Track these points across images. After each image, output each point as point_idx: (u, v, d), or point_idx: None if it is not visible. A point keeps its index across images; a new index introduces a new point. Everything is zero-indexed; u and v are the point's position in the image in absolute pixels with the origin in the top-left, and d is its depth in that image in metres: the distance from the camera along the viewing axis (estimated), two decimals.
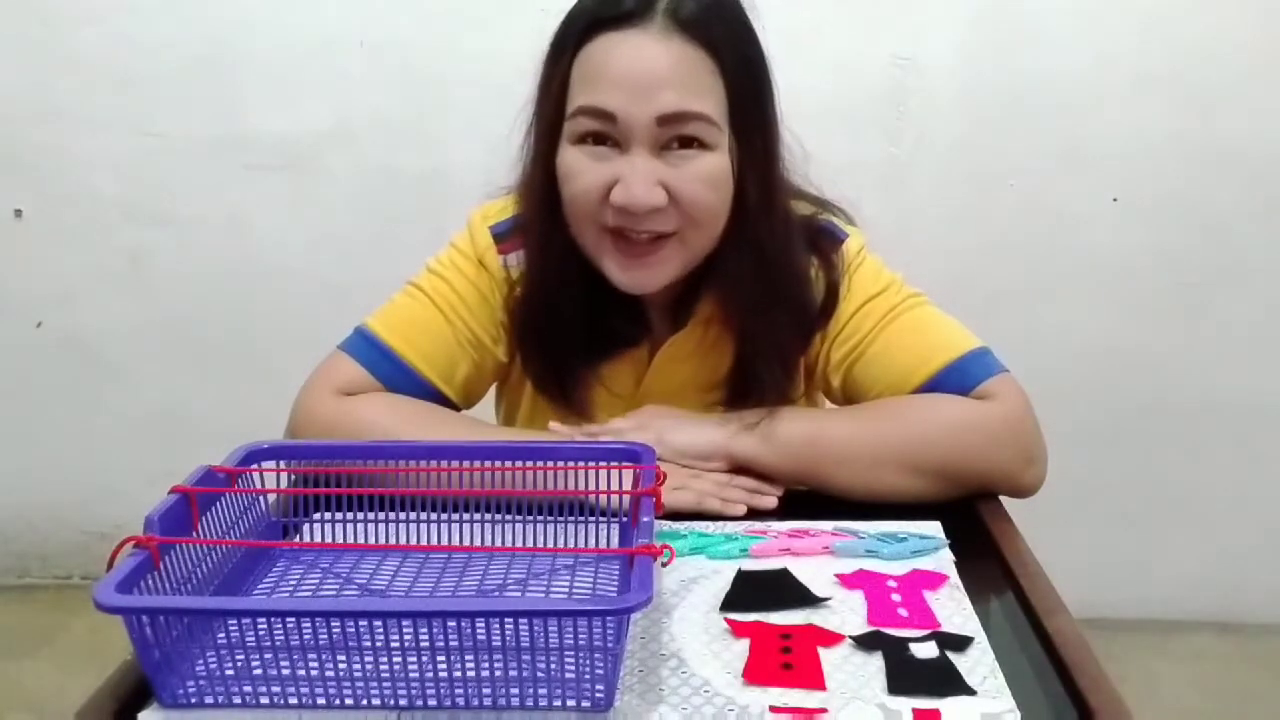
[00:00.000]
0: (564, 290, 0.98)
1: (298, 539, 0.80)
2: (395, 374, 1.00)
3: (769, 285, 0.96)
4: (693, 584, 0.76)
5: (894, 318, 1.00)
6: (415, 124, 2.12)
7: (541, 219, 0.96)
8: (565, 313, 0.99)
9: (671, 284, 0.98)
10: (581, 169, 0.90)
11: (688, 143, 0.89)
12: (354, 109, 2.12)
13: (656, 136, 0.88)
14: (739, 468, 0.93)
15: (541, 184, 0.94)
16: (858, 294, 1.00)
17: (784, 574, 0.77)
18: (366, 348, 1.01)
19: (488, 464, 0.79)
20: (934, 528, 0.85)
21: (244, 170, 2.16)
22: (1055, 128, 2.07)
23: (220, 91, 2.13)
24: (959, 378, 0.96)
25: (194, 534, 0.70)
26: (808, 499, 0.91)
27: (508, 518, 0.81)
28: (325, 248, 2.19)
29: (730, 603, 0.73)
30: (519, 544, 0.79)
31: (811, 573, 0.77)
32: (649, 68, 0.86)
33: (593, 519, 0.81)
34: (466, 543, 0.79)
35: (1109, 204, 2.11)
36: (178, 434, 2.25)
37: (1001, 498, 0.93)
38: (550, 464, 0.81)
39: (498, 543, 0.80)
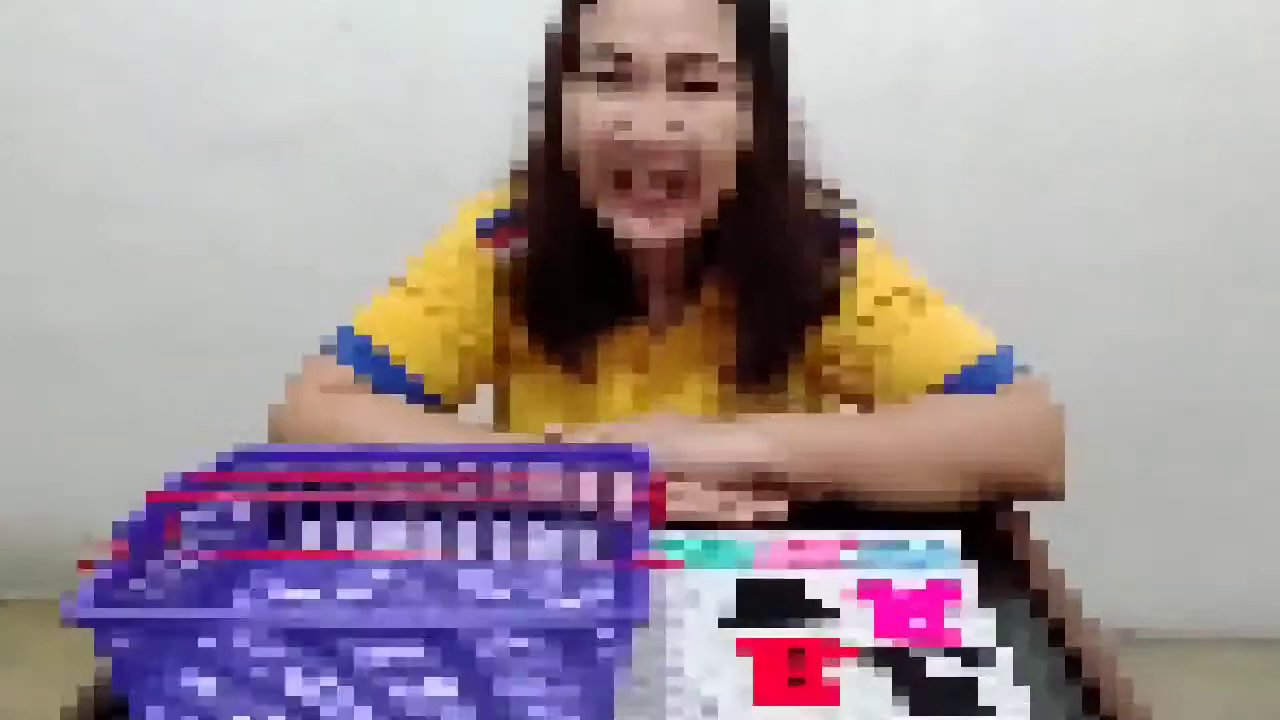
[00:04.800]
0: (566, 251, 0.98)
1: (280, 549, 0.77)
2: (382, 373, 0.99)
3: (773, 260, 0.97)
4: (694, 597, 0.74)
5: (917, 315, 0.99)
6: (403, 113, 2.05)
7: (548, 176, 0.97)
8: (566, 276, 0.99)
9: (675, 254, 0.98)
10: (592, 109, 0.92)
11: (700, 86, 0.91)
12: (338, 96, 2.05)
13: (670, 77, 0.90)
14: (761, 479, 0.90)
15: (551, 136, 0.96)
16: (881, 290, 1.00)
17: (792, 585, 0.75)
18: (351, 347, 1.00)
19: (476, 469, 0.77)
20: (952, 536, 0.82)
21: (221, 160, 2.08)
22: (1082, 117, 2.01)
23: (197, 77, 2.05)
24: (984, 377, 0.96)
25: (170, 544, 0.68)
26: (818, 506, 0.89)
27: (498, 526, 0.78)
28: (308, 242, 2.10)
29: (735, 616, 0.71)
30: (508, 555, 0.76)
31: (821, 584, 0.75)
32: (665, 7, 0.89)
33: (586, 527, 0.77)
34: (454, 553, 0.76)
35: (1141, 197, 2.05)
36: (154, 439, 2.08)
37: (1023, 505, 0.91)
38: (542, 469, 0.77)
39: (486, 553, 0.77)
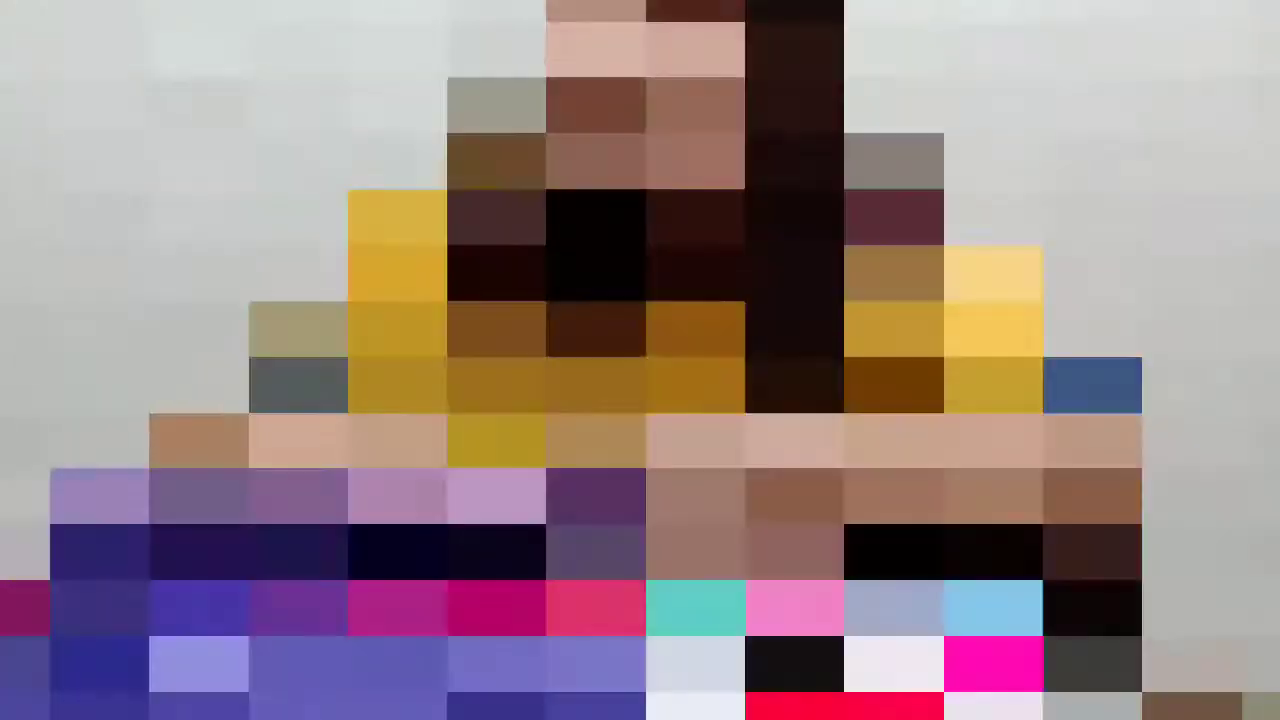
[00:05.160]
0: (558, 220, 0.94)
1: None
2: (318, 380, 0.96)
3: (815, 225, 0.92)
4: (682, 659, 0.65)
5: (989, 313, 0.95)
6: (368, 70, 1.99)
7: (532, 137, 0.93)
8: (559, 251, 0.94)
9: (694, 218, 0.94)
10: (578, 46, 0.90)
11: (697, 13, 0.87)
12: (287, 48, 1.99)
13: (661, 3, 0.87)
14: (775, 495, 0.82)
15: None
16: (957, 273, 0.95)
17: (822, 644, 0.67)
18: (273, 359, 0.97)
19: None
20: (1034, 587, 0.75)
21: (148, 126, 2.02)
22: (1178, 82, 1.88)
23: (116, 23, 2.00)
24: (1060, 389, 0.90)
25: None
26: (846, 540, 0.79)
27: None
28: (246, 222, 2.03)
29: (748, 681, 0.65)
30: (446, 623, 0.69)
31: (864, 642, 0.68)
32: None
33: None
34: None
35: (1249, 192, 1.91)
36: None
37: (1116, 543, 0.82)
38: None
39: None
